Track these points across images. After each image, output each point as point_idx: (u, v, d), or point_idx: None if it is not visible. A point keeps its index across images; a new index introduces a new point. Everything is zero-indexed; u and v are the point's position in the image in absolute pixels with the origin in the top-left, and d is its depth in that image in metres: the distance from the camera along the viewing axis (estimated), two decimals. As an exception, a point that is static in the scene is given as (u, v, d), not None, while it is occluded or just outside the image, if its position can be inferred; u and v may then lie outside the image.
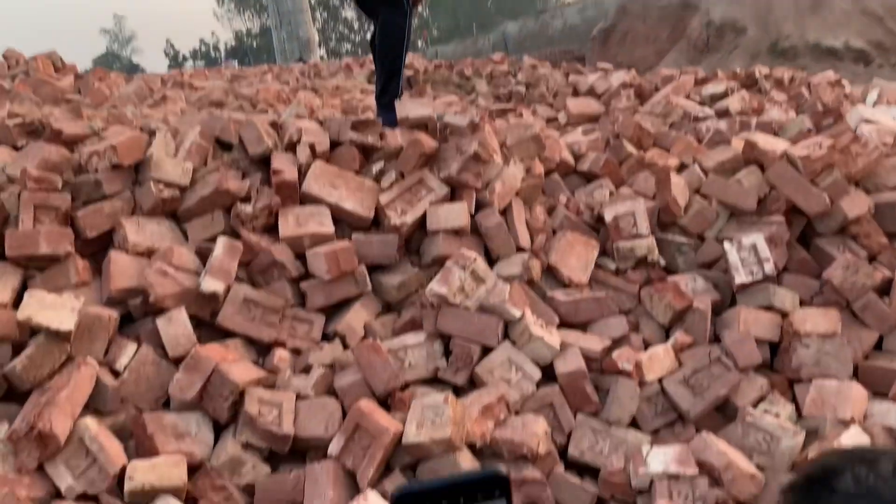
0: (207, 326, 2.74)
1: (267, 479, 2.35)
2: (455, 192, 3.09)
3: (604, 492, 2.42)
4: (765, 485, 2.30)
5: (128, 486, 2.16)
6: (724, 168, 3.44)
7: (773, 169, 3.29)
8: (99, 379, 2.43)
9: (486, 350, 2.68)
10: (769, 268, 2.92)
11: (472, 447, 2.40)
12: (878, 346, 2.92)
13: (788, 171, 3.26)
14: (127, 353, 2.55)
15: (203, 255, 2.82)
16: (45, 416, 2.19)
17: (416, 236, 3.06)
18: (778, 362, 2.87)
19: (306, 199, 2.97)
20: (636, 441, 2.52)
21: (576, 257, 3.03)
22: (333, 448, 2.35)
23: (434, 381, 2.65)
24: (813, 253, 3.24)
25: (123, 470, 2.20)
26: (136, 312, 2.75)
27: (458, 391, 2.60)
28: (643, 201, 3.13)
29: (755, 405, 2.61)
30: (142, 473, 2.18)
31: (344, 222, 3.03)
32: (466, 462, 2.34)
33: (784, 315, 2.89)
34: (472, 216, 3.04)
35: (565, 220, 3.19)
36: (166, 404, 2.53)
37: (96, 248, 2.86)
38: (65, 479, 2.20)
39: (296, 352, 2.73)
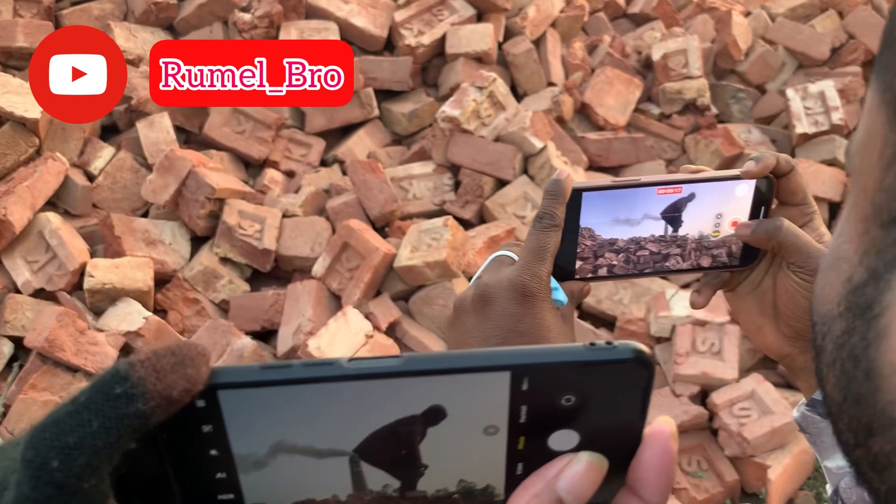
0: (195, 142, 2.49)
1: (244, 295, 2.13)
2: (482, 16, 2.72)
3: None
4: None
5: (87, 283, 1.95)
6: (796, 14, 2.99)
7: (853, 14, 2.84)
8: (70, 179, 2.22)
9: (502, 184, 2.37)
10: (837, 117, 2.51)
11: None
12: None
13: (872, 17, 2.80)
14: (103, 156, 2.32)
15: (197, 68, 2.54)
16: (1, 204, 1.99)
17: (434, 64, 2.73)
18: (834, 226, 2.50)
19: (312, 13, 2.65)
20: (661, 291, 2.21)
21: (614, 96, 2.66)
22: (318, 268, 2.11)
23: (440, 215, 2.37)
24: (891, 114, 2.81)
25: (84, 269, 2.00)
26: (120, 122, 2.52)
27: (466, 227, 2.31)
28: (697, 39, 2.72)
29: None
30: (103, 272, 1.97)
31: (353, 44, 2.71)
32: (465, 293, 2.07)
33: (849, 172, 2.50)
34: (500, 45, 2.69)
35: (607, 58, 2.81)
36: (144, 217, 2.31)
37: (85, 57, 2.61)
38: (22, 274, 2.01)
39: (289, 175, 2.47)
